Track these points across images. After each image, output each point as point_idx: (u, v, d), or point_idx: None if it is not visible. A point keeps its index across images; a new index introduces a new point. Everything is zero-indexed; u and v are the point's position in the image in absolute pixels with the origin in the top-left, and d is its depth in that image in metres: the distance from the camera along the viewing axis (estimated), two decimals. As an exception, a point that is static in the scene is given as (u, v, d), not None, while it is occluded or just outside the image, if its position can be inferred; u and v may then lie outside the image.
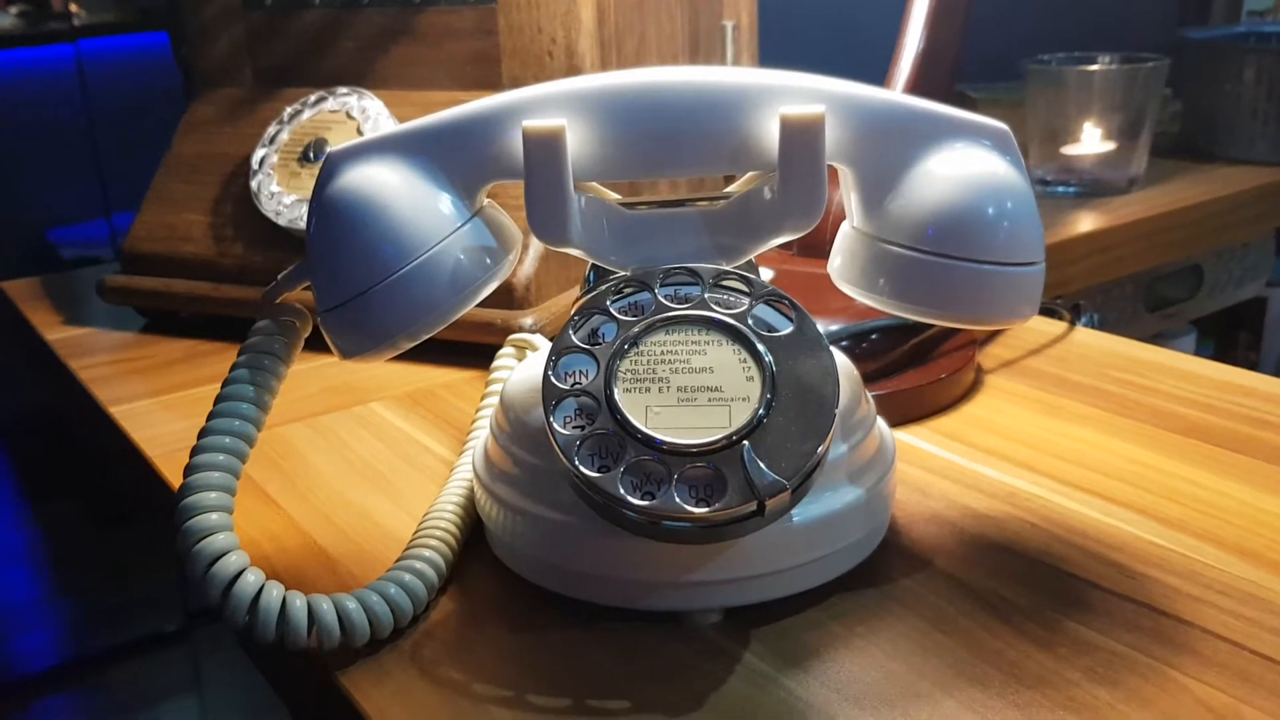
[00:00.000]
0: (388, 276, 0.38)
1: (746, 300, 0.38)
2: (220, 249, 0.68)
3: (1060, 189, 0.98)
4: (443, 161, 0.39)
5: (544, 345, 0.50)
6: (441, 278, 0.38)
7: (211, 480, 0.36)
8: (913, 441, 0.51)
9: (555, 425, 0.35)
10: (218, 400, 0.38)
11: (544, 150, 0.38)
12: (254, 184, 0.66)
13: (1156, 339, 1.01)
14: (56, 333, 0.71)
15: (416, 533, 0.41)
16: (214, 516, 0.36)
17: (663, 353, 0.36)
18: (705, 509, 0.34)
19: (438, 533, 0.41)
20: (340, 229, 0.38)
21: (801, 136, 0.38)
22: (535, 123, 0.38)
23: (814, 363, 0.36)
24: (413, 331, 0.39)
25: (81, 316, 0.74)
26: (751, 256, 0.41)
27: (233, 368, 0.39)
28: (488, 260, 0.39)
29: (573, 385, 0.36)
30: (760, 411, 0.35)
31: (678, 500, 0.34)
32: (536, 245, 0.61)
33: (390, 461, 0.50)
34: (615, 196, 0.42)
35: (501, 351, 0.51)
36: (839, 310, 0.54)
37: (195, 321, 0.69)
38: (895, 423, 0.52)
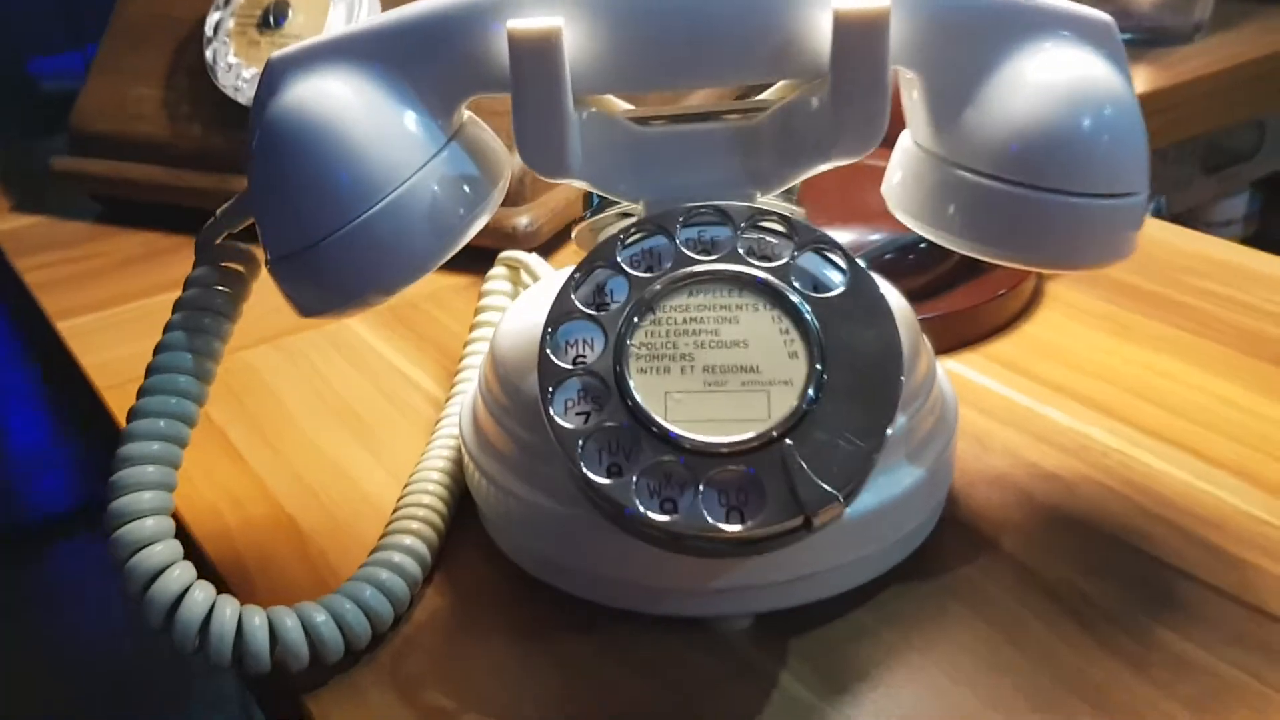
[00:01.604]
0: (348, 221, 0.30)
1: (789, 248, 0.31)
2: (176, 129, 0.60)
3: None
4: (411, 71, 0.31)
5: (541, 269, 0.43)
6: (415, 220, 0.31)
7: (145, 477, 0.30)
8: (966, 374, 0.44)
9: (555, 415, 0.29)
10: (149, 371, 0.32)
11: (536, 59, 0.30)
12: (209, 54, 0.58)
13: (1214, 202, 0.94)
14: (4, 222, 0.64)
15: (398, 506, 0.36)
16: (150, 523, 0.30)
17: (685, 320, 0.30)
18: (739, 525, 0.28)
19: (421, 511, 0.35)
20: (286, 161, 0.31)
21: (861, 39, 0.30)
22: (524, 23, 0.30)
23: (873, 333, 0.29)
24: (384, 287, 0.32)
25: (34, 200, 0.67)
26: (791, 185, 0.33)
27: (166, 328, 0.32)
28: (471, 193, 0.32)
29: (575, 360, 0.30)
30: (806, 399, 0.28)
31: (705, 515, 0.28)
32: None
33: (370, 399, 0.44)
34: (625, 107, 0.34)
35: (491, 273, 0.44)
36: (881, 214, 0.47)
37: (155, 208, 0.61)
38: (946, 348, 0.45)
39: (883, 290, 0.30)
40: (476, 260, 0.45)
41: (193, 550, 0.37)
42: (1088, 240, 0.32)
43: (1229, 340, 0.45)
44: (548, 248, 0.54)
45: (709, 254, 0.31)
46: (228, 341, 0.33)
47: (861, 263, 0.31)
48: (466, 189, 0.32)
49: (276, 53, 0.32)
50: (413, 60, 0.31)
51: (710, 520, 0.28)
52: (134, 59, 0.62)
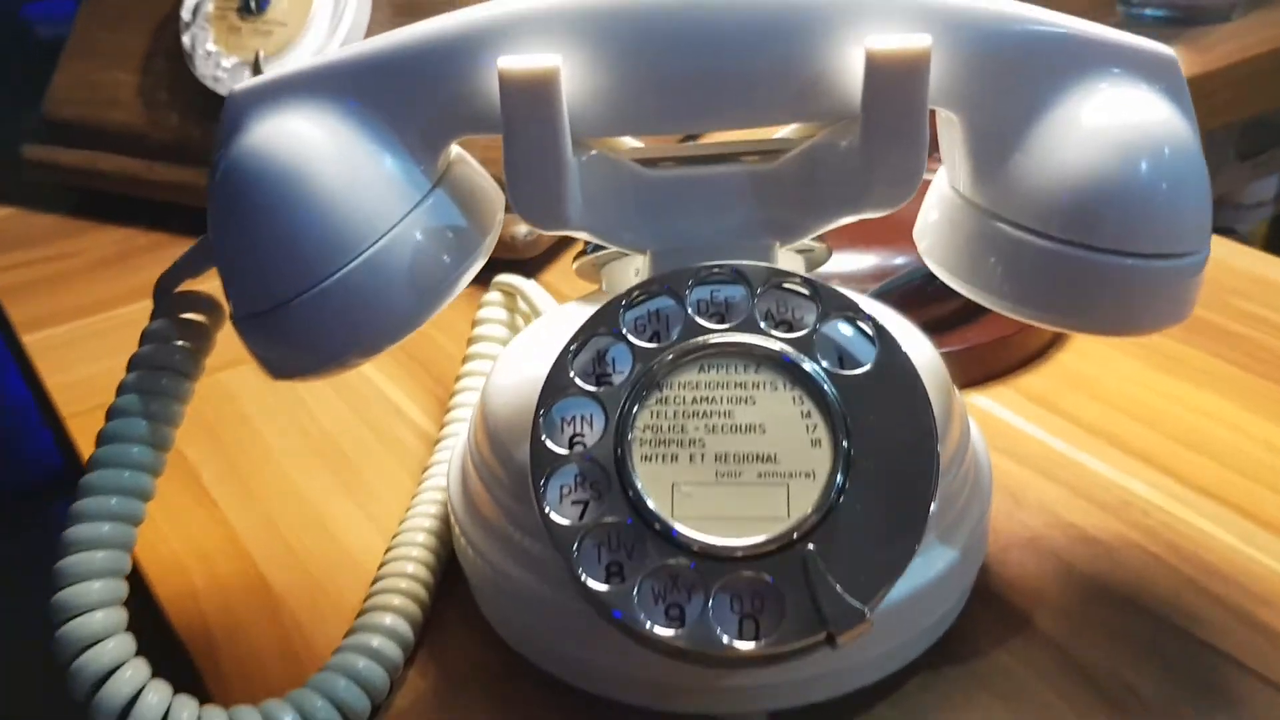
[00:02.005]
0: (320, 280, 0.27)
1: (812, 314, 0.27)
2: (152, 117, 0.56)
3: (1149, 13, 0.84)
4: (391, 110, 0.28)
5: (539, 300, 0.40)
6: (396, 277, 0.28)
7: (93, 564, 0.27)
8: (997, 411, 0.41)
9: (549, 509, 0.26)
10: (100, 439, 0.29)
11: (530, 102, 0.27)
12: (187, 40, 0.54)
13: (1244, 185, 0.90)
14: (-24, 212, 0.61)
15: (379, 575, 0.33)
16: (99, 616, 0.27)
17: (695, 400, 0.27)
18: (752, 643, 0.25)
19: (404, 583, 0.32)
20: (250, 212, 0.27)
21: (897, 84, 0.26)
22: (517, 62, 0.26)
23: (905, 415, 0.26)
24: (363, 349, 0.29)
25: (8, 187, 0.63)
26: (813, 236, 0.30)
27: (119, 389, 0.29)
28: (460, 243, 0.29)
29: (573, 441, 0.26)
30: (831, 495, 0.25)
31: (715, 628, 0.25)
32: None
33: (357, 436, 0.41)
34: (633, 144, 0.31)
35: (486, 298, 0.41)
36: (908, 235, 0.43)
37: (133, 200, 0.58)
38: (974, 381, 0.42)
39: (913, 358, 0.27)
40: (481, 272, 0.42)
41: (154, 613, 0.34)
42: (1143, 305, 0.29)
43: (1278, 376, 0.42)
44: (548, 256, 0.51)
45: (722, 321, 0.27)
46: (189, 401, 0.30)
47: (879, 307, 0.27)
48: (454, 238, 0.29)
49: (239, 85, 0.29)
50: (393, 97, 0.28)
51: (722, 637, 0.25)
52: (111, 39, 0.58)
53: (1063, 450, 0.39)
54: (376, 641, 0.30)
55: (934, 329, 0.35)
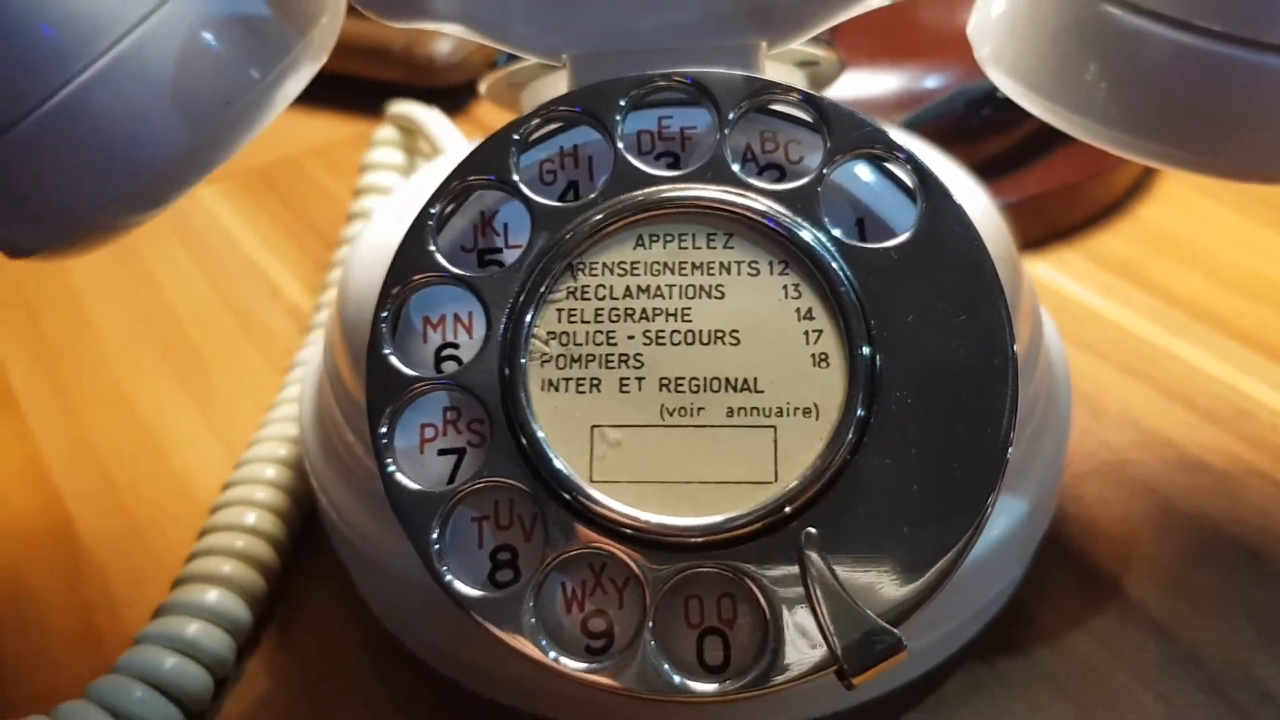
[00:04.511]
0: (40, 102, 0.17)
1: (816, 153, 0.17)
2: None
3: None
4: None
5: (442, 134, 0.29)
6: (159, 93, 0.18)
7: None
8: (1063, 285, 0.31)
9: (392, 464, 0.16)
10: None
11: None
12: None
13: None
14: None
15: (210, 526, 0.23)
16: None
17: (630, 291, 0.17)
18: (715, 683, 0.15)
19: (240, 541, 0.23)
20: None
21: None
22: None
23: (965, 311, 0.17)
24: (131, 202, 0.19)
25: None
26: (814, 34, 0.20)
27: None
28: (264, 41, 0.19)
29: (441, 356, 0.17)
30: (845, 444, 0.16)
31: (663, 664, 0.15)
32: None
33: (214, 321, 0.31)
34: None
35: (378, 135, 0.31)
36: (939, 49, 0.33)
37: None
38: (1031, 243, 0.32)
39: (975, 217, 0.17)
40: (384, 100, 0.32)
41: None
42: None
43: None
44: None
45: (675, 165, 0.17)
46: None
47: (919, 145, 0.18)
48: (253, 33, 0.18)
49: None
50: None
51: (670, 676, 0.15)
52: None
53: (1153, 337, 0.29)
54: (193, 630, 0.21)
55: (978, 175, 0.25)
